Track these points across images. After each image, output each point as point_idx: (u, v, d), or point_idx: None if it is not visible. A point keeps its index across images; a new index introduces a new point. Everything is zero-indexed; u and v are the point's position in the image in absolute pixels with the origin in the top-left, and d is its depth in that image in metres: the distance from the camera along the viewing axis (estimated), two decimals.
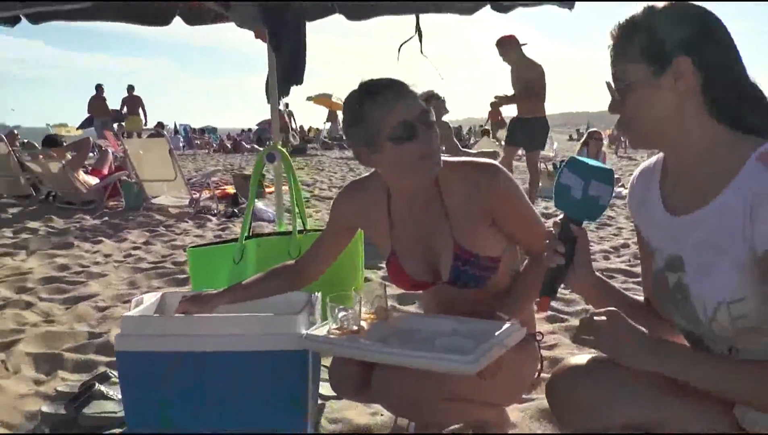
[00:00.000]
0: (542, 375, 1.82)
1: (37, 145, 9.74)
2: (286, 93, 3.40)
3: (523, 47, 6.28)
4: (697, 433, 1.23)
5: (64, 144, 8.84)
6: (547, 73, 6.37)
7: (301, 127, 28.27)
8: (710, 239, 1.17)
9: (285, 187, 3.41)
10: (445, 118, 6.37)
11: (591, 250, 1.40)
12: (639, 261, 1.42)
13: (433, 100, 5.93)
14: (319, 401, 2.21)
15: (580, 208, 1.28)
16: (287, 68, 3.33)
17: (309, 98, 24.24)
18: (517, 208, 1.73)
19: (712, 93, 1.18)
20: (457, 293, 1.77)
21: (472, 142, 20.75)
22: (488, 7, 3.17)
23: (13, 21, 3.18)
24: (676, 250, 1.24)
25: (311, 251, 1.95)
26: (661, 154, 1.34)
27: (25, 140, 12.31)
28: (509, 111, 6.89)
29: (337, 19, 3.64)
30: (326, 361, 2.01)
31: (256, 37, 3.52)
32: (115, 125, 15.58)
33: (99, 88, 16.24)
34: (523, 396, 2.25)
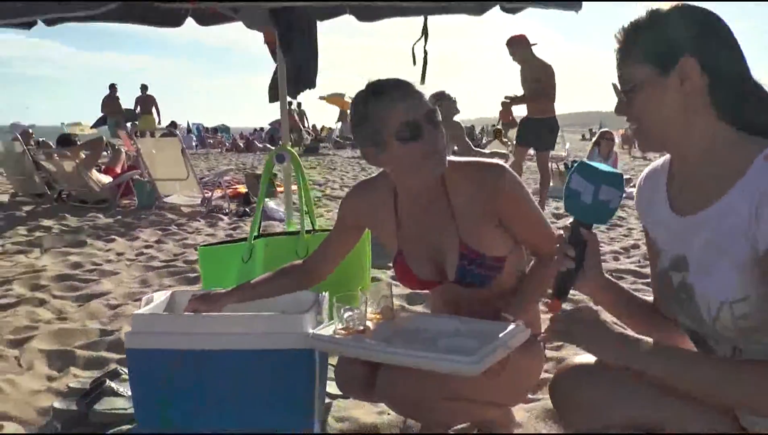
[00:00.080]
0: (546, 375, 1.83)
1: (51, 144, 9.83)
2: (296, 96, 3.41)
3: (533, 47, 6.26)
4: (697, 433, 1.24)
5: (78, 143, 8.91)
6: (561, 72, 6.34)
7: (314, 126, 28.31)
8: (715, 239, 1.18)
9: (294, 187, 3.43)
10: (456, 118, 6.36)
11: (601, 251, 1.41)
12: (648, 262, 1.43)
13: (444, 100, 5.92)
14: (327, 400, 2.23)
15: (590, 212, 1.28)
16: (300, 71, 3.34)
17: (321, 97, 24.27)
18: (523, 208, 1.74)
19: (718, 94, 1.18)
20: (464, 292, 1.78)
21: (484, 141, 20.70)
22: (497, 7, 3.17)
23: (29, 25, 3.22)
24: (682, 250, 1.25)
25: (319, 251, 1.97)
26: (668, 156, 1.35)
27: (41, 139, 12.44)
28: (520, 111, 6.87)
29: (344, 20, 3.65)
30: (333, 360, 2.03)
31: (265, 42, 3.53)
32: (129, 124, 15.70)
33: (112, 87, 16.40)
34: (529, 396, 2.26)
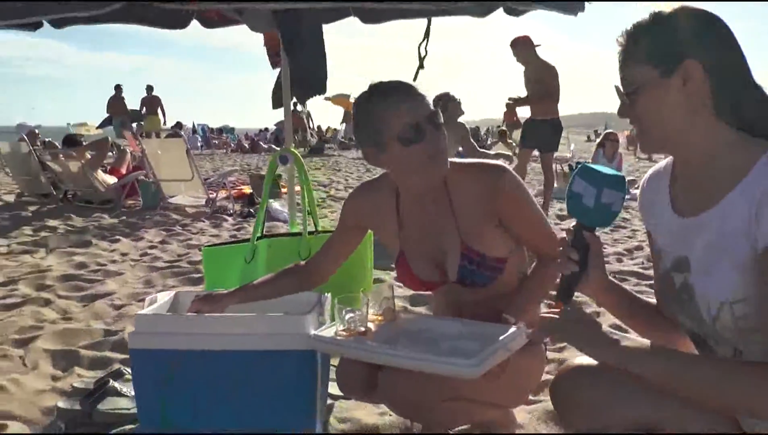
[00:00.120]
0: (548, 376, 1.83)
1: (57, 145, 9.87)
2: (305, 101, 3.40)
3: (537, 48, 6.26)
4: (697, 433, 1.24)
5: (84, 143, 8.95)
6: (565, 73, 6.33)
7: (319, 127, 28.33)
8: (716, 240, 1.18)
9: (298, 188, 3.44)
10: (461, 119, 6.35)
11: (604, 253, 1.42)
12: (652, 264, 1.43)
13: (449, 101, 5.93)
14: (329, 401, 2.24)
15: (593, 215, 1.28)
16: (309, 76, 3.33)
17: (327, 98, 24.27)
18: (524, 209, 1.75)
19: (721, 95, 1.18)
20: (466, 293, 1.79)
21: (489, 142, 20.67)
22: (501, 9, 3.17)
23: (35, 26, 3.22)
24: (683, 251, 1.26)
25: (321, 252, 1.98)
26: (671, 158, 1.35)
27: (47, 139, 12.47)
28: (524, 112, 6.87)
29: (345, 20, 3.65)
30: (335, 361, 2.04)
31: (265, 44, 3.52)
32: (134, 125, 15.74)
33: (118, 88, 16.47)
34: (531, 397, 2.26)
